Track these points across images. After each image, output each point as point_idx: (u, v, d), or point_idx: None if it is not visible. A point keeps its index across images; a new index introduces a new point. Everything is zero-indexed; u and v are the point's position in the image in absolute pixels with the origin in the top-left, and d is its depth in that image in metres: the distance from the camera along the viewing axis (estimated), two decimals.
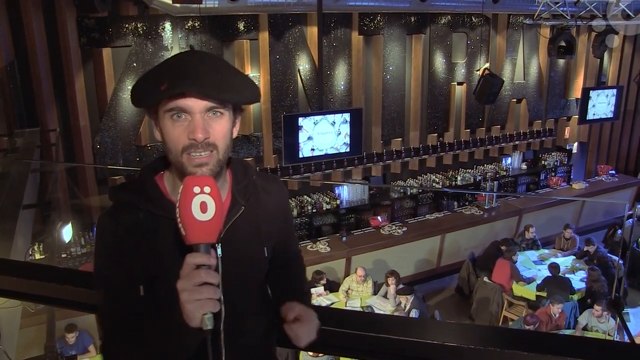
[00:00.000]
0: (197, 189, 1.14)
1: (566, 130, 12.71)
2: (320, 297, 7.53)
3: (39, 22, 7.52)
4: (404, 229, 9.24)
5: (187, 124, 1.23)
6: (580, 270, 8.50)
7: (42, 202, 5.40)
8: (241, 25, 8.79)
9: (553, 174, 12.30)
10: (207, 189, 1.15)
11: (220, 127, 1.26)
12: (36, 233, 5.65)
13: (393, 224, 9.47)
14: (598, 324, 7.00)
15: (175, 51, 8.42)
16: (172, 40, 8.38)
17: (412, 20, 10.22)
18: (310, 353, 5.97)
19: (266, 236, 1.44)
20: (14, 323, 3.35)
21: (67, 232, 6.09)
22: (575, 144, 13.15)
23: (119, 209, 1.34)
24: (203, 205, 1.13)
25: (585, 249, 8.90)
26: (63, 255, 7.54)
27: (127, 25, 8.07)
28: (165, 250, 1.28)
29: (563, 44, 9.82)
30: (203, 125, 1.22)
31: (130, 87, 7.62)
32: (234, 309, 1.30)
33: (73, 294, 1.78)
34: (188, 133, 1.22)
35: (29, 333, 5.31)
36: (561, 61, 11.94)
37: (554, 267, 7.97)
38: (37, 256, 6.53)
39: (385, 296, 7.62)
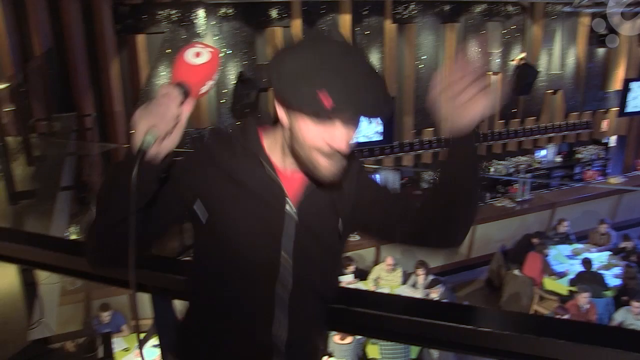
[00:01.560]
0: (195, 48, 1.21)
1: (604, 123, 12.40)
2: (349, 285, 7.55)
3: (76, 10, 7.65)
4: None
5: (330, 129, 1.18)
6: (615, 266, 8.32)
7: (78, 184, 5.51)
8: (274, 13, 8.79)
9: (588, 167, 12.04)
10: (202, 47, 1.21)
11: (353, 136, 1.23)
12: (73, 214, 5.78)
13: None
14: (636, 321, 6.84)
15: (209, 38, 8.48)
16: (205, 27, 8.42)
17: (446, 8, 10.08)
18: (338, 338, 6.00)
19: (340, 210, 1.35)
20: (53, 299, 3.44)
21: None
22: (613, 138, 12.80)
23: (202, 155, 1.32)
24: (198, 54, 1.19)
25: (622, 245, 8.71)
26: None
27: (161, 12, 8.14)
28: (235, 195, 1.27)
29: (605, 32, 9.51)
30: (348, 138, 1.20)
31: (164, 73, 7.72)
32: (300, 279, 1.30)
33: (111, 271, 1.81)
34: (330, 139, 1.18)
35: (67, 310, 5.45)
36: (600, 51, 11.61)
37: (587, 262, 7.83)
38: (74, 237, 6.68)
39: (414, 286, 7.59)
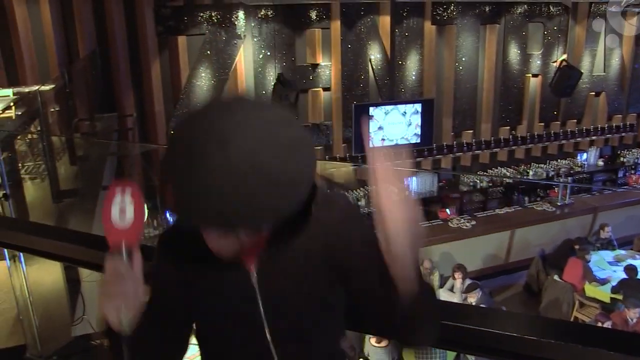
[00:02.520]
0: (117, 196, 1.10)
1: None
2: None
3: (119, 12, 7.82)
4: (473, 222, 9.06)
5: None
6: None
7: None
8: (313, 14, 8.82)
9: (633, 171, 11.70)
10: (121, 196, 1.10)
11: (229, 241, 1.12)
12: None
13: (462, 217, 9.30)
14: None
15: (248, 40, 8.56)
16: (245, 29, 8.51)
17: (487, 9, 9.95)
18: (374, 341, 5.98)
19: (317, 267, 1.16)
20: (94, 297, 3.51)
21: None
22: None
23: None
24: (122, 210, 1.10)
25: None
26: None
27: (201, 14, 8.25)
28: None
29: None
30: (221, 243, 1.11)
31: (204, 75, 7.79)
32: (286, 349, 1.18)
33: (149, 268, 1.84)
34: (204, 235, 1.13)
35: None
36: None
37: (631, 270, 7.61)
38: None
39: (451, 290, 7.51)
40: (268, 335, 1.17)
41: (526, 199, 10.70)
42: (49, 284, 2.52)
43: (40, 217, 4.02)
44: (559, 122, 11.06)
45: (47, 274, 2.52)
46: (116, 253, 1.08)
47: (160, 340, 1.22)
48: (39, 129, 5.04)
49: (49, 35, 7.46)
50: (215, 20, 8.31)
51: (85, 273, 2.93)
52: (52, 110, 5.89)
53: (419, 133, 8.71)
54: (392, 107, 8.45)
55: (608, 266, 8.32)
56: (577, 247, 8.20)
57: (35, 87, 5.21)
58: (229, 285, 1.17)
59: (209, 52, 8.37)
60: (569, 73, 8.69)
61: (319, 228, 1.11)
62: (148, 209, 7.43)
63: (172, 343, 1.26)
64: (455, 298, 7.33)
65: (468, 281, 7.26)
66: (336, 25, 8.92)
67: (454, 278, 7.46)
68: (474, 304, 6.90)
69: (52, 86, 5.93)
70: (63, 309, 2.52)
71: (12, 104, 5.12)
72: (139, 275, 1.09)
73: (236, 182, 0.89)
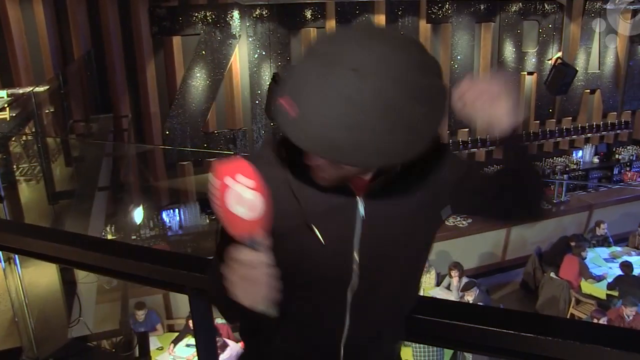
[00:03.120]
0: (232, 193, 0.94)
1: None
2: None
3: (113, 12, 7.80)
4: (469, 220, 9.07)
5: None
6: None
7: (115, 185, 5.61)
8: (308, 14, 8.81)
9: (628, 168, 11.73)
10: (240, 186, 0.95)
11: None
12: (109, 214, 5.89)
13: (458, 215, 9.31)
14: None
15: (243, 40, 8.56)
16: (240, 29, 8.49)
17: (482, 7, 9.96)
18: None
19: (425, 201, 1.18)
20: (90, 298, 3.51)
21: (138, 215, 6.32)
22: None
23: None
24: (239, 199, 0.94)
25: None
26: (133, 237, 7.82)
27: (196, 14, 8.24)
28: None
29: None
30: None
31: (199, 75, 7.79)
32: (368, 280, 1.16)
33: (148, 271, 1.84)
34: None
35: (104, 309, 5.55)
36: None
37: (626, 266, 7.63)
38: (110, 237, 6.81)
39: (448, 288, 7.52)
40: (355, 264, 1.13)
41: None
42: (44, 286, 2.51)
43: (35, 219, 4.01)
44: (554, 120, 11.07)
45: (42, 276, 2.51)
46: (244, 245, 0.98)
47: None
48: (33, 130, 5.02)
49: (43, 36, 7.44)
50: (210, 20, 8.30)
51: (81, 275, 2.92)
52: (47, 111, 5.88)
53: None
54: None
55: (604, 263, 8.36)
56: (573, 244, 8.23)
57: (30, 89, 5.20)
58: (332, 209, 1.10)
59: (204, 52, 8.36)
60: (564, 71, 8.69)
61: (429, 172, 1.14)
62: (144, 209, 7.44)
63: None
64: (452, 296, 7.34)
65: (465, 279, 7.27)
66: (331, 25, 8.91)
67: (451, 276, 7.47)
68: (471, 302, 6.91)
69: (47, 87, 5.92)
70: (59, 310, 2.51)
71: (6, 105, 5.11)
72: (269, 262, 1.00)
73: (365, 118, 0.87)
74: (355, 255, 1.14)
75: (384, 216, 1.13)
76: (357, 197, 1.10)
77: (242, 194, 0.94)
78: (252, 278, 0.98)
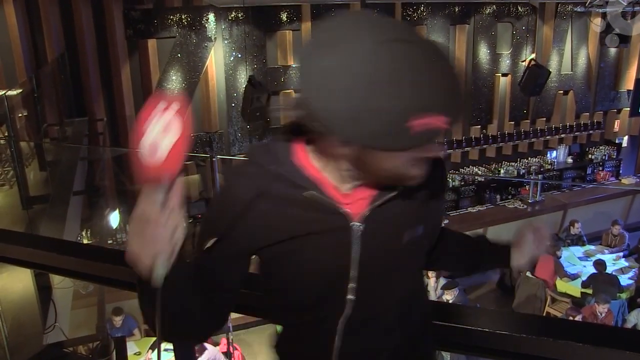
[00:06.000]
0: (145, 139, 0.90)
1: (616, 123, 12.28)
2: None
3: (87, 15, 7.72)
4: (446, 221, 9.12)
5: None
6: (630, 268, 8.23)
7: (90, 189, 5.55)
8: (284, 16, 8.82)
9: (601, 168, 11.94)
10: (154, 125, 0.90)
11: None
12: (85, 219, 5.82)
13: None
14: None
15: (219, 42, 8.52)
16: (216, 31, 8.46)
17: (456, 10, 10.07)
18: None
19: (422, 217, 1.19)
20: (66, 303, 3.46)
21: (114, 219, 6.25)
22: (626, 138, 12.68)
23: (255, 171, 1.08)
24: (153, 146, 0.89)
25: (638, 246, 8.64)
26: (109, 242, 7.73)
27: (171, 17, 8.19)
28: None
29: (618, 31, 9.38)
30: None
31: (174, 78, 7.73)
32: (364, 304, 1.13)
33: (125, 275, 1.82)
34: (422, 153, 0.98)
35: (80, 314, 5.49)
36: (612, 51, 11.52)
37: (600, 264, 7.76)
38: (86, 241, 6.72)
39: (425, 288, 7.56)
40: (351, 284, 1.11)
41: (498, 197, 10.84)
42: (19, 292, 2.47)
43: (8, 224, 3.95)
44: (528, 121, 11.23)
45: (17, 282, 2.47)
46: (152, 189, 0.92)
47: (206, 301, 1.10)
48: (6, 134, 4.95)
49: (15, 38, 7.33)
50: (186, 23, 8.26)
51: (56, 280, 2.89)
52: (20, 115, 5.79)
53: None
54: None
55: (578, 261, 8.48)
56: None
57: (2, 92, 5.11)
58: (331, 232, 1.08)
59: (179, 55, 8.31)
60: (538, 72, 8.83)
61: (427, 187, 1.13)
62: (121, 213, 7.36)
63: (218, 307, 1.14)
64: (429, 297, 7.39)
65: (442, 280, 7.32)
66: (307, 27, 8.92)
67: (428, 277, 7.50)
68: (450, 301, 6.97)
69: (20, 91, 5.83)
70: (34, 316, 2.47)
71: None
72: (177, 215, 0.96)
73: (458, 82, 0.98)
74: (351, 276, 1.11)
75: (382, 237, 1.11)
76: (354, 220, 1.08)
77: (160, 130, 0.90)
78: (155, 227, 0.94)
